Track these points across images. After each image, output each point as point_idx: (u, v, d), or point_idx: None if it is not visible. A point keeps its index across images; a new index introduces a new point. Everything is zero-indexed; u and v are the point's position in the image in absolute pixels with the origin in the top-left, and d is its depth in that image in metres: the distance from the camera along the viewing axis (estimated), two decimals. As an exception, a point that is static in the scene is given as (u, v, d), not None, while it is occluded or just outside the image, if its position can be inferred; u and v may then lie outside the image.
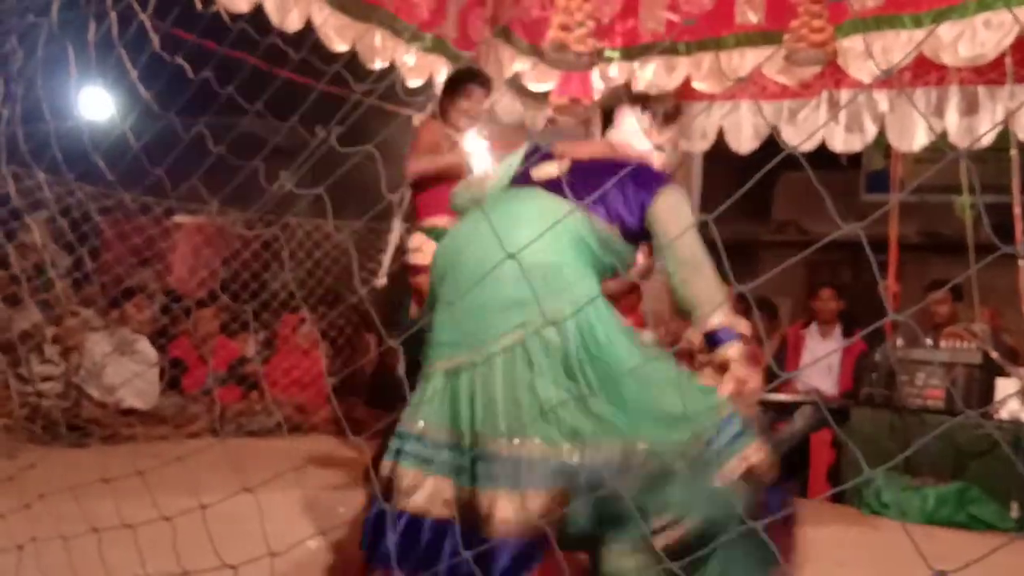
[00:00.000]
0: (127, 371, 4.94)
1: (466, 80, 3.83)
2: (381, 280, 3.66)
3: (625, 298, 5.30)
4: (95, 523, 1.82)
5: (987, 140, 4.55)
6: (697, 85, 5.28)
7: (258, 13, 4.28)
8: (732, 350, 2.07)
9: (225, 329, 5.85)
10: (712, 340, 2.12)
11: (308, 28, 4.59)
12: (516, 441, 1.88)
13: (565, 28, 4.47)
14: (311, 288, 5.98)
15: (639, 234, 2.23)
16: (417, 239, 3.58)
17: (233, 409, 5.28)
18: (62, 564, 1.81)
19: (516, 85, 5.69)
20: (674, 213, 2.19)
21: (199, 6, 2.18)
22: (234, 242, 6.26)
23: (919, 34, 4.39)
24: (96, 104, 5.75)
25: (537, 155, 2.30)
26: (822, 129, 5.11)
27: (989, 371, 4.27)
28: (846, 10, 4.63)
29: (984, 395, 4.24)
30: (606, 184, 2.12)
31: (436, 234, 3.44)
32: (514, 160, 2.33)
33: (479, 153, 3.83)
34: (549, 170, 2.23)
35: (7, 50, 2.41)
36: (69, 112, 3.61)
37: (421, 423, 1.99)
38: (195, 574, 1.60)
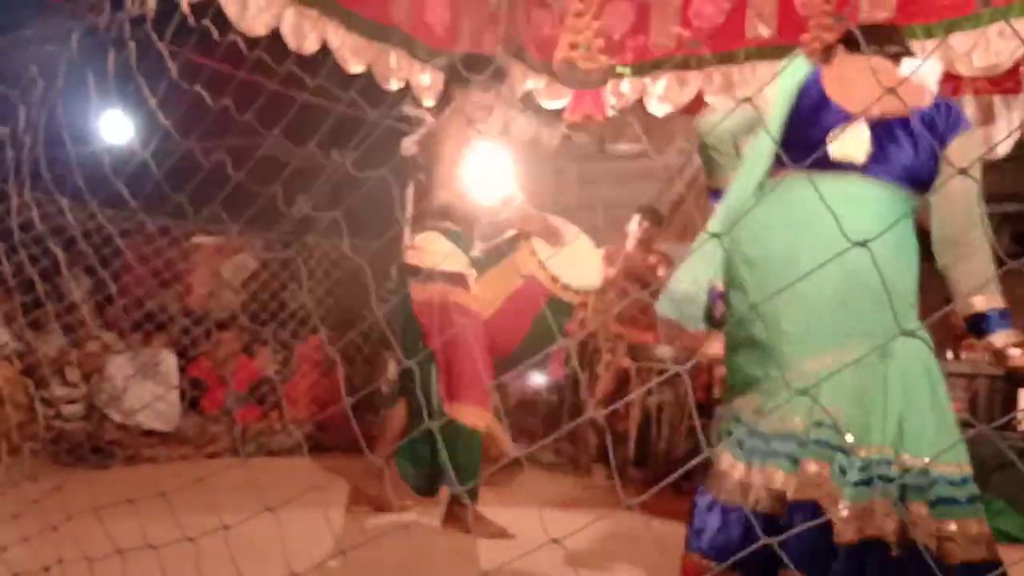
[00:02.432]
0: (148, 393, 4.99)
1: (479, 71, 3.61)
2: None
3: (644, 313, 5.31)
4: (119, 544, 1.83)
5: (1003, 149, 4.52)
6: (710, 99, 5.29)
7: (273, 36, 4.33)
8: (1002, 337, 1.95)
9: (245, 350, 5.89)
10: (977, 326, 1.99)
11: (322, 49, 4.64)
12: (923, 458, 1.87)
13: (573, 46, 4.50)
14: (329, 307, 6.01)
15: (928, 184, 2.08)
16: (431, 239, 3.39)
17: (253, 429, 5.31)
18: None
19: (530, 103, 5.73)
20: (965, 160, 2.00)
21: (215, 35, 2.22)
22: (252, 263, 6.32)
23: (931, 45, 4.39)
24: (115, 129, 5.82)
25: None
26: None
27: (1011, 383, 4.23)
28: (856, 23, 4.64)
29: (1006, 407, 4.21)
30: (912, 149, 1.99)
31: (453, 236, 3.38)
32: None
33: (496, 163, 3.67)
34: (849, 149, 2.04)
35: (28, 79, 2.46)
36: (89, 137, 3.67)
37: (797, 419, 1.93)
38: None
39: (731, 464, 1.98)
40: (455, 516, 3.37)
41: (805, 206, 1.93)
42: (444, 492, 3.44)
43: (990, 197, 2.06)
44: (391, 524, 3.35)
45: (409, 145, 3.58)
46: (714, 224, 2.12)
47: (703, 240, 2.10)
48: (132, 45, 1.90)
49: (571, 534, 1.15)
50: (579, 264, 3.51)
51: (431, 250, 3.34)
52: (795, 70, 2.18)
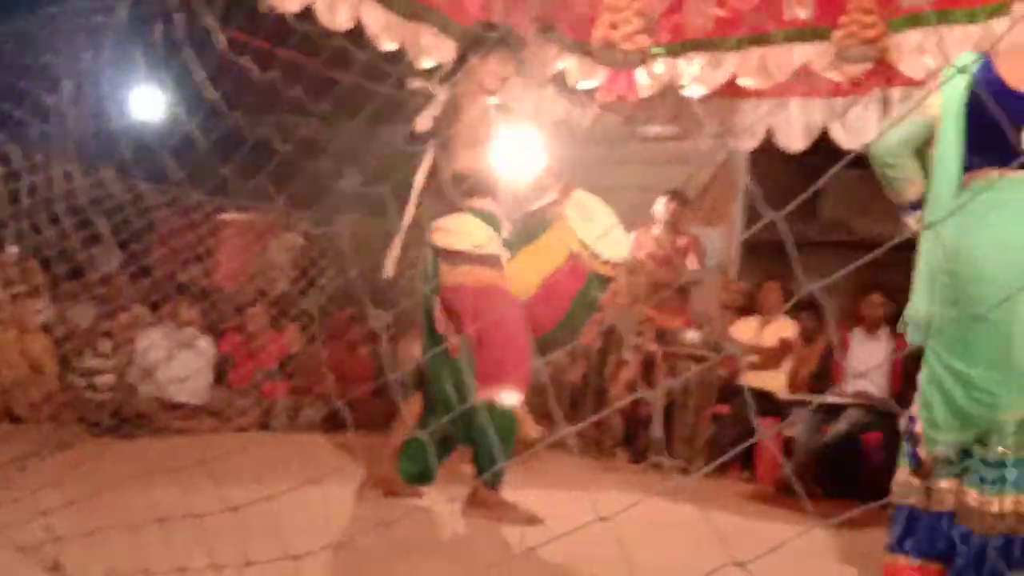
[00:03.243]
0: (180, 366, 5.04)
1: (495, 40, 3.50)
2: (388, 270, 3.43)
3: (672, 298, 5.29)
4: (159, 511, 1.86)
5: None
6: (743, 81, 5.23)
7: (309, 14, 4.32)
8: None
9: (274, 325, 5.93)
10: None
11: (357, 28, 4.62)
12: None
13: (613, 26, 4.46)
14: (358, 286, 6.02)
15: None
16: (462, 220, 3.28)
17: (281, 404, 5.36)
18: (129, 550, 1.86)
19: (561, 83, 5.69)
20: None
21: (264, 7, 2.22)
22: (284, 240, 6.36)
23: (974, 29, 4.31)
24: (155, 104, 5.86)
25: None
26: (874, 127, 5.03)
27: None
28: (897, 5, 4.56)
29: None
30: None
31: (485, 217, 3.28)
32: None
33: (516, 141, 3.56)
34: None
35: (75, 50, 2.48)
36: (128, 112, 3.68)
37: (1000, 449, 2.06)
38: (257, 564, 1.62)
39: (980, 500, 2.07)
40: (480, 501, 3.29)
41: (1010, 208, 1.95)
42: (464, 475, 3.40)
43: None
44: (409, 507, 3.32)
45: (424, 120, 3.46)
46: (924, 244, 2.19)
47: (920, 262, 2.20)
48: (180, 18, 1.91)
49: (619, 513, 1.15)
50: (610, 235, 3.47)
51: (463, 231, 3.22)
52: (959, 69, 2.16)
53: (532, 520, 3.19)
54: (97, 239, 4.81)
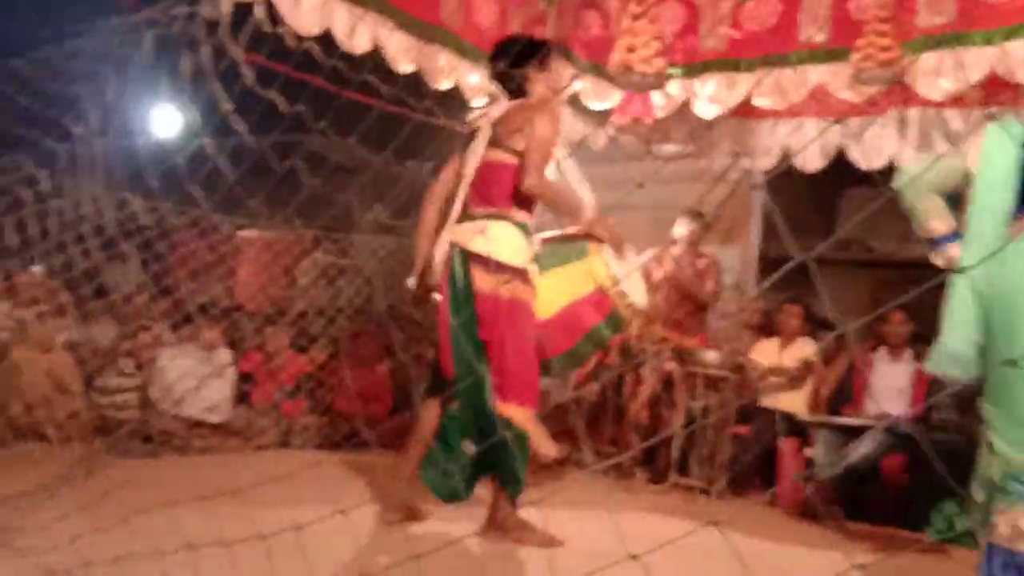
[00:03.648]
0: (202, 385, 5.07)
1: (551, 49, 3.55)
2: (411, 280, 3.37)
3: (689, 319, 5.29)
4: (187, 536, 1.88)
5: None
6: (758, 102, 5.25)
7: (324, 36, 4.37)
8: None
9: (293, 344, 5.97)
10: None
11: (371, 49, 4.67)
12: None
13: (631, 49, 4.49)
14: (372, 303, 6.07)
15: None
16: (502, 229, 3.18)
17: (300, 423, 5.38)
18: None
19: (576, 104, 5.73)
20: None
21: (280, 32, 2.26)
22: (302, 258, 6.41)
23: (990, 51, 4.32)
24: (170, 124, 5.94)
25: None
26: (891, 147, 5.04)
27: None
28: (913, 28, 4.57)
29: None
30: None
31: (522, 228, 3.21)
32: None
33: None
34: None
35: (102, 79, 2.53)
36: (144, 131, 3.74)
37: None
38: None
39: None
40: (499, 523, 3.23)
41: None
42: (481, 496, 3.30)
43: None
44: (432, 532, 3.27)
45: (477, 118, 3.39)
46: (960, 279, 2.20)
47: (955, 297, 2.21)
48: (207, 49, 1.95)
49: (651, 551, 1.16)
50: (634, 279, 3.48)
51: (502, 240, 3.14)
52: (1005, 130, 2.24)
53: (551, 542, 3.15)
54: (121, 259, 4.88)
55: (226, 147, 2.24)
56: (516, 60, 3.34)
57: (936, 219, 2.41)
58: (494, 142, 3.25)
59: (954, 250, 2.41)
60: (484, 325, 3.11)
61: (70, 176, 2.90)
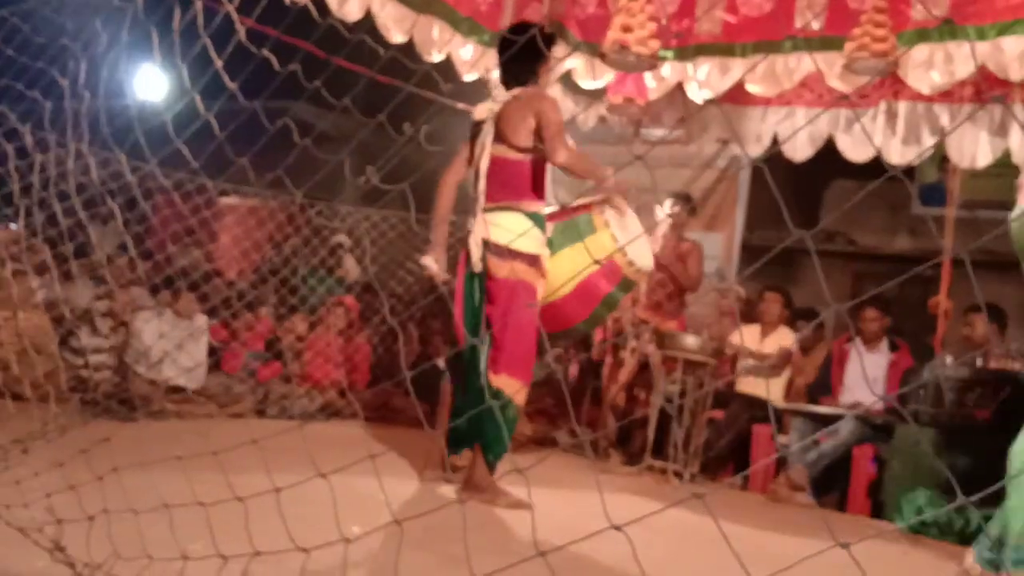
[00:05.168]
0: (178, 350, 5.03)
1: (553, 39, 3.82)
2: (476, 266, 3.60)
3: (669, 302, 5.30)
4: (163, 497, 1.87)
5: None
6: (751, 88, 5.25)
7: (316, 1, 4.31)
8: None
9: (250, 308, 5.92)
10: None
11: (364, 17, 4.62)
12: None
13: (627, 29, 4.46)
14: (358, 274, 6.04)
15: None
16: (513, 219, 3.45)
17: (276, 392, 5.35)
18: (132, 535, 1.87)
19: (568, 82, 5.70)
20: None
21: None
22: (284, 225, 6.35)
23: (982, 47, 4.33)
24: (153, 85, 5.85)
25: None
26: (879, 140, 5.06)
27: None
28: (907, 19, 4.58)
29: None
30: None
31: (533, 218, 3.47)
32: None
33: None
34: None
35: (90, 33, 2.48)
36: (125, 92, 3.67)
37: None
38: (267, 554, 1.63)
39: None
40: (475, 484, 3.40)
41: None
42: (459, 460, 3.52)
43: None
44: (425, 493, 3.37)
45: (484, 110, 3.55)
46: None
47: None
48: (200, 4, 1.91)
49: (633, 522, 1.16)
50: (641, 241, 3.73)
51: (515, 229, 3.39)
52: None
53: (519, 505, 3.31)
54: (102, 220, 4.81)
55: (210, 110, 2.20)
56: (527, 55, 3.44)
57: None
58: (498, 138, 3.47)
59: None
60: (490, 303, 3.43)
61: (55, 132, 2.84)
